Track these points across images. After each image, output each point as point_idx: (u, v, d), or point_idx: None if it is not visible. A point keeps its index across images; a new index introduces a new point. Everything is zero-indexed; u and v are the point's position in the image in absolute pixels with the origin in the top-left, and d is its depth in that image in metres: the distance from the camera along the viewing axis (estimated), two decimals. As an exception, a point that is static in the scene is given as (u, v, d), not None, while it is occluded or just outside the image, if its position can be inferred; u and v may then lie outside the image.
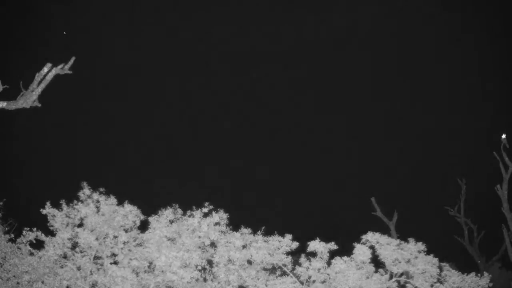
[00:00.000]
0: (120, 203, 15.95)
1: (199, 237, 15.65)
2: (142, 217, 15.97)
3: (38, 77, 14.26)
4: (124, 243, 15.72)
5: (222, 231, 15.71)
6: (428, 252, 15.59)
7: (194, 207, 15.87)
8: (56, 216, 15.76)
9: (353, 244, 15.49)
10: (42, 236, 15.73)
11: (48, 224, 15.80)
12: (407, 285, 15.30)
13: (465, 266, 18.30)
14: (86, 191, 15.88)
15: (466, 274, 15.66)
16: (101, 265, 15.65)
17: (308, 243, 15.53)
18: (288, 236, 15.63)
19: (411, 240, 15.60)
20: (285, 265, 15.60)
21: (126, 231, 15.82)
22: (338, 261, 15.33)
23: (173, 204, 15.93)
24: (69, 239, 15.67)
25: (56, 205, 15.88)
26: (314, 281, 15.35)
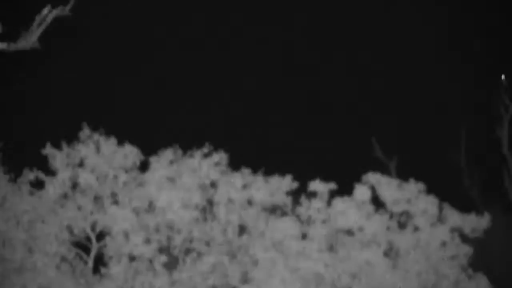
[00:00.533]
0: (120, 144, 15.95)
1: (200, 177, 15.67)
2: (142, 158, 15.98)
3: (38, 19, 14.44)
4: (124, 183, 15.77)
5: (222, 171, 15.72)
6: (428, 194, 15.62)
7: (194, 147, 15.87)
8: (57, 157, 15.79)
9: (354, 184, 15.52)
10: (43, 176, 15.79)
11: (49, 165, 15.83)
12: (407, 224, 15.39)
13: (465, 208, 18.36)
14: (86, 131, 15.87)
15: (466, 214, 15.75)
16: (102, 205, 15.71)
17: (308, 183, 15.54)
18: (289, 176, 15.63)
19: (411, 180, 15.63)
20: (285, 205, 15.64)
21: (126, 171, 15.85)
22: (338, 201, 15.38)
23: (173, 144, 15.94)
24: (69, 178, 15.74)
25: (57, 146, 15.90)
26: (314, 221, 15.41)
